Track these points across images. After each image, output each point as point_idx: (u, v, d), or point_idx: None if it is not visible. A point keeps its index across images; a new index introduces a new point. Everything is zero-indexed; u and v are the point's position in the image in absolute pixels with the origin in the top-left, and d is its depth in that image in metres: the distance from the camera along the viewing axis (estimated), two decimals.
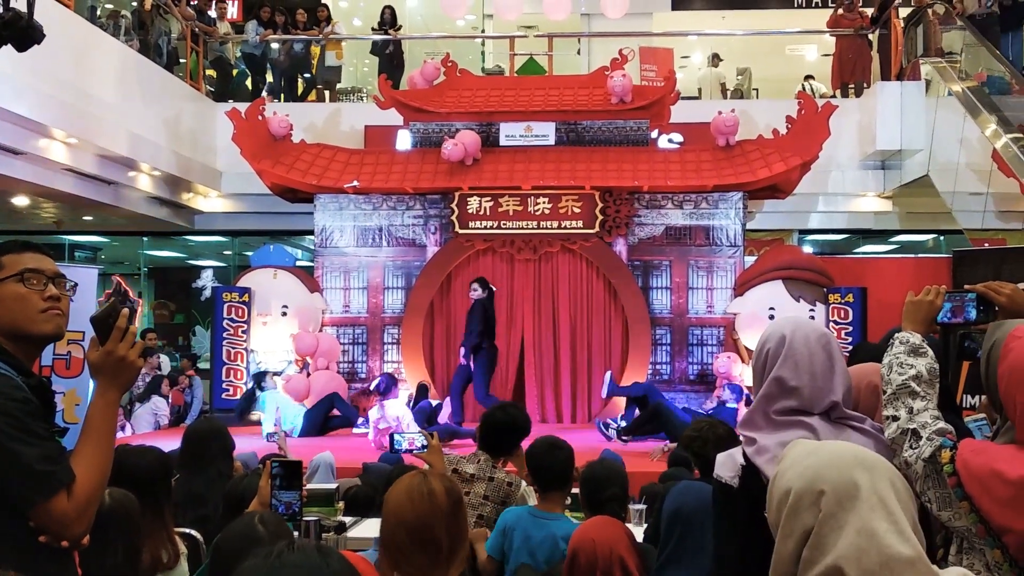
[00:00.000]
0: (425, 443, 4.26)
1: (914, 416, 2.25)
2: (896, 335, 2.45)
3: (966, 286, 2.54)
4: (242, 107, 12.15)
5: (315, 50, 14.87)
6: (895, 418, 2.28)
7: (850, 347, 10.48)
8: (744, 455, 2.35)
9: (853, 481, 1.50)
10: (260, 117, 11.98)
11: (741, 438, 2.41)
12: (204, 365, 13.90)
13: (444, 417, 10.39)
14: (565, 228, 11.52)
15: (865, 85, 13.58)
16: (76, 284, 2.39)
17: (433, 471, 2.46)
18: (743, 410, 9.85)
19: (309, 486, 4.47)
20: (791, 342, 2.39)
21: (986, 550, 2.05)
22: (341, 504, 5.22)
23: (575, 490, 4.20)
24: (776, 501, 1.58)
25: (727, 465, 2.39)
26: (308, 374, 11.61)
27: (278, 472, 3.12)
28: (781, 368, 2.37)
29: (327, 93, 14.97)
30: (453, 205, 11.58)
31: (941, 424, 2.22)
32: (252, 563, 1.42)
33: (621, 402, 11.33)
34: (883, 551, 1.43)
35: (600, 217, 11.44)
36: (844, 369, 2.41)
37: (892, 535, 1.45)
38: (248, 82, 14.84)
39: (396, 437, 4.39)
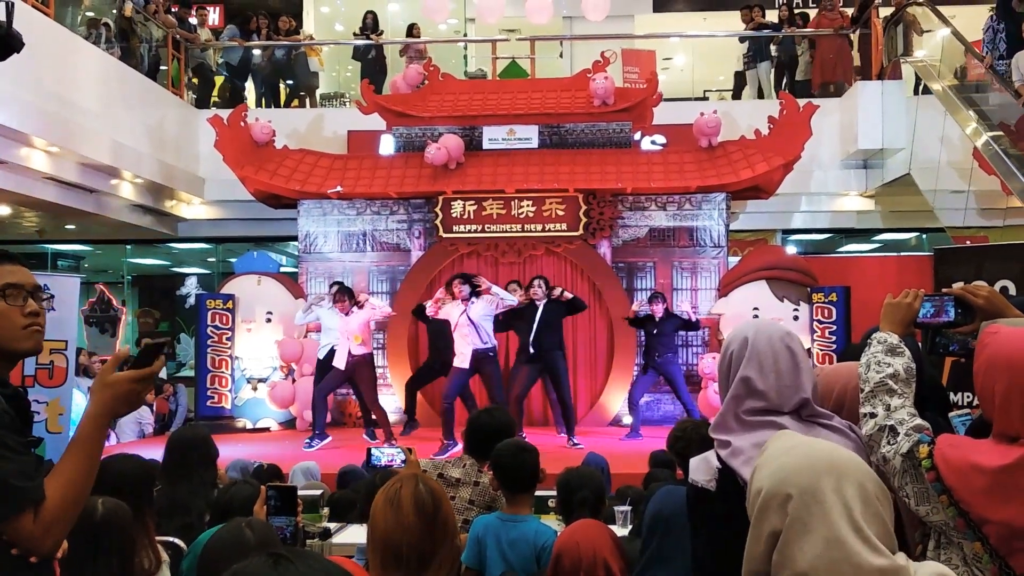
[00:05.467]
0: (404, 459, 4.26)
1: (891, 413, 2.27)
2: (874, 335, 2.47)
3: (944, 289, 2.57)
4: (224, 114, 12.13)
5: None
6: (872, 415, 2.30)
7: (834, 346, 10.55)
8: (719, 458, 2.36)
9: (819, 487, 1.50)
10: (242, 123, 11.96)
11: (714, 441, 2.41)
12: (188, 373, 13.85)
13: None
14: (549, 231, 11.53)
15: (846, 85, 13.64)
16: (53, 295, 2.38)
17: (414, 476, 2.43)
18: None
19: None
20: (754, 342, 2.40)
21: (964, 544, 2.07)
22: (326, 510, 5.22)
23: (544, 492, 4.22)
24: (751, 498, 1.59)
25: (702, 469, 2.39)
26: (293, 380, 11.60)
27: (273, 497, 3.15)
28: (746, 368, 2.38)
29: (307, 99, 14.98)
30: (437, 209, 11.58)
31: (918, 420, 2.24)
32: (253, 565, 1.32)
33: (608, 407, 11.36)
34: (853, 561, 1.43)
35: (584, 219, 11.46)
36: (809, 367, 2.43)
37: (860, 544, 1.45)
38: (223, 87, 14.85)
39: (374, 452, 4.38)
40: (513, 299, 9.74)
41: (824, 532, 1.46)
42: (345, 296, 9.95)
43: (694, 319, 10.35)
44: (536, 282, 9.98)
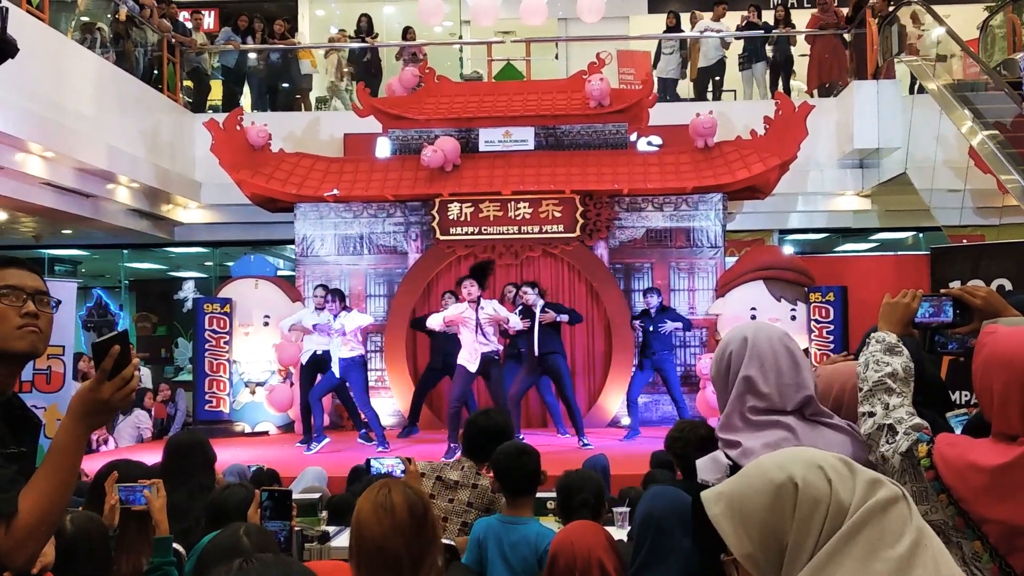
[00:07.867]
0: (404, 469, 4.26)
1: (890, 412, 2.27)
2: (872, 334, 2.48)
3: (942, 290, 2.58)
4: (220, 118, 12.12)
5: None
6: (871, 414, 2.31)
7: (832, 346, 10.56)
8: (729, 458, 2.36)
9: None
10: (238, 127, 11.95)
11: (721, 441, 2.42)
12: (186, 377, 13.82)
13: None
14: (546, 232, 11.53)
15: (841, 84, 13.65)
16: (59, 301, 2.36)
17: (400, 481, 2.43)
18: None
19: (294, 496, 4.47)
20: (754, 342, 2.42)
21: (964, 543, 2.07)
22: (324, 514, 5.21)
23: (543, 494, 4.23)
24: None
25: (712, 468, 2.39)
26: (291, 384, 11.59)
27: (268, 505, 3.14)
28: (748, 368, 2.40)
29: (302, 102, 14.99)
30: (434, 212, 11.57)
31: (917, 420, 2.25)
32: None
33: (606, 408, 11.36)
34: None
35: (581, 221, 11.46)
36: (809, 366, 2.45)
37: None
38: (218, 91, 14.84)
39: (374, 463, 4.40)
40: (519, 323, 9.62)
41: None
42: (336, 298, 9.97)
43: (687, 318, 10.45)
44: (525, 288, 9.97)
